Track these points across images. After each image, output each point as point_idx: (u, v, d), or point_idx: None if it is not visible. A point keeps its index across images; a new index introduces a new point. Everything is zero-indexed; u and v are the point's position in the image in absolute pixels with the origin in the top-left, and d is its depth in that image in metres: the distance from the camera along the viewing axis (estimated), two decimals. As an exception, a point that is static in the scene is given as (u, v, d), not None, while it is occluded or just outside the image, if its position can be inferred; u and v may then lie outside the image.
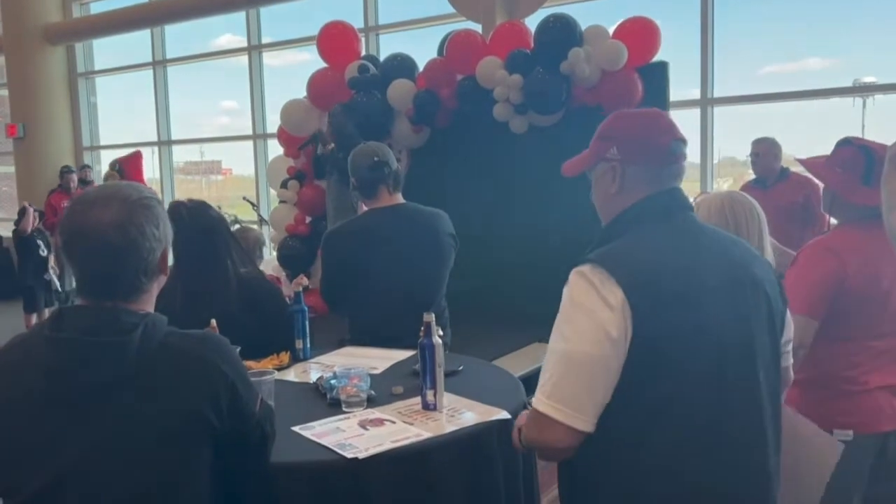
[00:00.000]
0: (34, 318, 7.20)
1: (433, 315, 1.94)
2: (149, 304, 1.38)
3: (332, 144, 5.15)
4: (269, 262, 6.50)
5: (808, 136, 6.40)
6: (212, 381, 1.33)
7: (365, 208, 2.82)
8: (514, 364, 4.30)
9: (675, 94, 5.19)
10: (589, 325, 1.31)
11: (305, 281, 2.90)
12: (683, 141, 1.48)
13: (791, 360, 1.67)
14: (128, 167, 7.99)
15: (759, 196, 4.22)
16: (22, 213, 7.19)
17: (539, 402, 1.36)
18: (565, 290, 1.38)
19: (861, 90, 5.76)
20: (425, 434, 1.71)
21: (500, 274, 5.50)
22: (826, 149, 2.23)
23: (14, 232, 7.22)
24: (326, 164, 5.38)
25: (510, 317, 5.41)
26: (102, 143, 10.54)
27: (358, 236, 2.70)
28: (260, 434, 1.46)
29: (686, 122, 5.96)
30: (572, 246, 5.40)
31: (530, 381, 2.86)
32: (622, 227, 1.45)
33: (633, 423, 1.34)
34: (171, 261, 1.43)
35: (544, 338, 4.86)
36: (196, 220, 2.32)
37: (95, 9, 10.23)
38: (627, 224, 1.45)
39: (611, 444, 1.35)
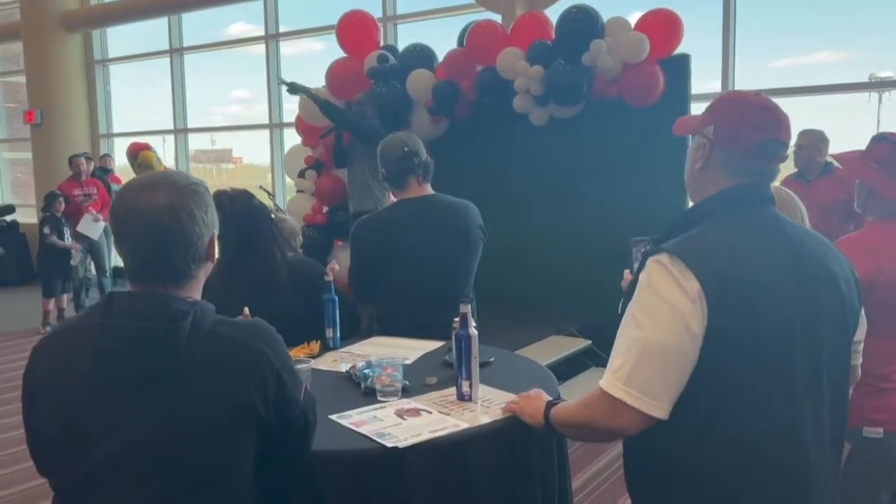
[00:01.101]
0: (52, 304, 7.27)
1: (469, 306, 1.94)
2: (196, 292, 1.39)
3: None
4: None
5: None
6: (259, 370, 1.34)
7: (393, 199, 2.83)
8: (535, 355, 4.31)
9: (695, 87, 5.16)
10: (668, 314, 1.32)
11: (337, 267, 2.91)
12: (783, 143, 1.45)
13: (860, 360, 1.67)
14: None
15: (801, 190, 4.11)
16: (51, 198, 7.22)
17: (613, 387, 1.36)
18: (642, 278, 1.39)
19: (878, 85, 5.72)
20: (463, 424, 1.72)
21: (518, 266, 5.51)
22: (842, 143, 2.22)
23: (45, 217, 7.24)
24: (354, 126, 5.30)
25: (528, 309, 5.42)
26: (116, 130, 10.58)
27: (387, 227, 2.71)
28: (303, 422, 1.48)
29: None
30: (593, 239, 5.39)
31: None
32: (699, 217, 1.46)
33: (706, 409, 1.35)
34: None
35: (563, 330, 4.86)
36: (240, 210, 2.33)
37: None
38: (705, 214, 1.45)
39: (682, 428, 1.36)
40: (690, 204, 1.59)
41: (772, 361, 1.35)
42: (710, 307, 1.31)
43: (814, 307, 1.39)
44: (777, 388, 1.36)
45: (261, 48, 8.80)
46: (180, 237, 1.32)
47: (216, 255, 1.43)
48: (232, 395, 1.31)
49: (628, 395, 1.35)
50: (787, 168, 4.92)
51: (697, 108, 5.16)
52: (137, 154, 6.96)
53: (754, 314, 1.33)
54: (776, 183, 3.37)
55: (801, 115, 6.10)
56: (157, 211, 1.30)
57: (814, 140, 4.35)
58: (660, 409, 1.34)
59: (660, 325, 1.33)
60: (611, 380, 1.38)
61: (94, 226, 7.46)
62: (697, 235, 1.41)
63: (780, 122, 1.45)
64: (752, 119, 1.44)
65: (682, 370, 1.34)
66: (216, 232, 1.41)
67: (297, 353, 2.35)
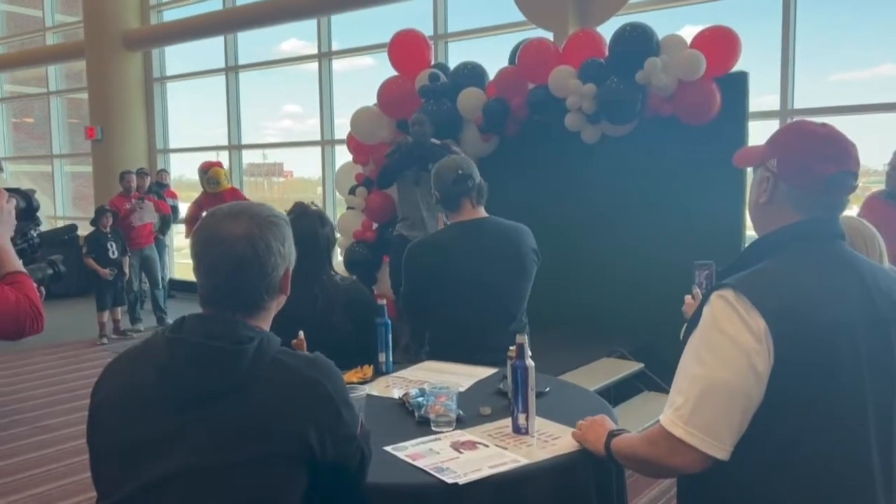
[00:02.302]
0: (106, 316, 7.46)
1: (526, 337, 1.91)
2: (266, 323, 1.41)
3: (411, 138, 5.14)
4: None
5: (881, 147, 6.10)
6: (318, 404, 1.33)
7: (446, 221, 2.81)
8: (587, 378, 4.24)
9: (752, 102, 5.03)
10: (732, 352, 1.29)
11: None
12: (853, 174, 1.40)
13: None
14: None
15: (890, 212, 3.90)
16: (99, 213, 7.42)
17: (674, 425, 1.34)
18: (705, 312, 1.35)
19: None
20: (522, 460, 1.68)
21: (570, 286, 5.43)
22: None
23: (88, 235, 7.47)
24: (398, 156, 5.29)
25: (579, 330, 5.34)
26: (172, 146, 10.86)
27: (440, 250, 2.69)
28: (360, 457, 1.46)
29: (765, 132, 5.78)
30: (646, 259, 5.27)
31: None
32: (765, 251, 1.42)
33: (769, 452, 1.32)
34: None
35: (615, 352, 4.75)
36: (300, 233, 2.36)
37: (168, 16, 10.56)
38: (771, 248, 1.41)
39: (744, 470, 1.33)
40: (749, 235, 1.55)
41: (840, 404, 1.31)
42: (777, 346, 1.27)
43: (885, 349, 1.34)
44: (846, 432, 1.31)
45: (313, 64, 8.94)
46: (255, 267, 1.34)
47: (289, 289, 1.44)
48: (287, 426, 1.30)
49: (689, 435, 1.32)
50: (865, 188, 4.65)
51: (755, 126, 5.09)
52: (208, 170, 7.16)
53: (823, 355, 1.29)
54: (852, 212, 3.22)
55: (862, 133, 5.91)
56: (234, 240, 1.33)
57: None
58: (721, 449, 1.31)
59: (723, 363, 1.30)
60: (672, 418, 1.34)
61: (141, 211, 7.62)
62: (763, 270, 1.37)
63: (848, 153, 1.40)
64: (819, 152, 1.39)
65: (744, 410, 1.30)
66: (292, 265, 1.43)
67: (349, 377, 2.34)
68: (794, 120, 1.50)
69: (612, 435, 1.61)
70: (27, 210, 2.08)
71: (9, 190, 2.00)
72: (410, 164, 5.10)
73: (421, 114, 5.31)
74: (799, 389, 1.28)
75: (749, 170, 1.61)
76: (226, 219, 1.36)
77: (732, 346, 1.29)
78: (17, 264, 1.97)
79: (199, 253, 1.36)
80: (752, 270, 1.37)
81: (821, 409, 1.30)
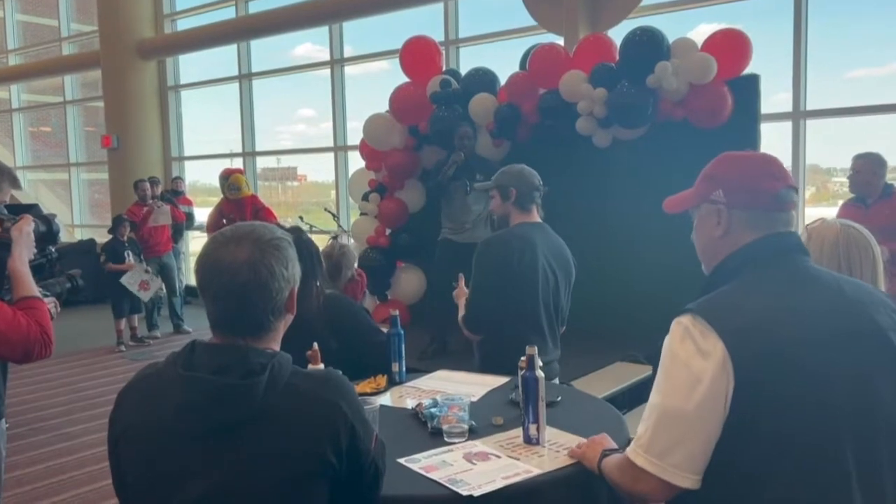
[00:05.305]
0: (123, 323, 7.55)
1: (535, 348, 1.93)
2: (276, 342, 1.42)
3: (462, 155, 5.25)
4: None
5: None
6: (333, 422, 1.35)
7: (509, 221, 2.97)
8: (599, 384, 4.26)
9: (764, 104, 5.01)
10: (684, 379, 1.28)
11: None
12: (794, 189, 1.43)
13: None
14: None
15: (860, 215, 4.08)
16: (117, 222, 7.52)
17: (635, 454, 1.35)
18: (665, 341, 1.35)
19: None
20: (535, 471, 1.70)
21: (584, 290, 5.40)
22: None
23: (105, 244, 7.58)
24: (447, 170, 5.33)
25: (593, 334, 5.33)
26: (187, 153, 10.96)
27: (523, 239, 2.83)
28: (374, 471, 1.48)
29: (778, 134, 5.75)
30: (659, 262, 5.23)
31: (612, 404, 2.84)
32: (726, 275, 1.40)
33: (737, 484, 1.28)
34: None
35: (629, 356, 4.77)
36: None
37: (182, 25, 10.66)
38: (732, 271, 1.40)
39: (723, 494, 1.29)
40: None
41: (811, 424, 1.25)
42: (737, 368, 1.24)
43: (858, 364, 1.29)
44: (818, 453, 1.25)
45: (327, 69, 9.00)
46: (260, 292, 1.34)
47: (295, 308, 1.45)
48: (306, 448, 1.32)
49: (648, 463, 1.32)
50: (829, 184, 4.74)
51: (767, 128, 5.06)
52: (229, 176, 7.24)
53: (787, 374, 1.25)
54: (820, 198, 3.22)
55: (880, 131, 5.87)
56: (237, 266, 1.33)
57: (869, 163, 4.34)
58: (682, 477, 1.29)
59: (677, 390, 1.29)
60: (634, 447, 1.36)
61: (158, 211, 7.73)
62: (724, 293, 1.36)
63: (785, 170, 1.44)
64: (760, 170, 1.43)
65: (703, 437, 1.28)
66: (297, 285, 1.43)
67: (363, 387, 2.37)
68: (723, 153, 1.52)
69: (604, 455, 1.60)
70: (48, 234, 2.12)
71: (30, 210, 2.04)
72: (462, 175, 5.17)
73: (467, 127, 5.41)
74: (765, 411, 1.24)
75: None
76: (229, 244, 1.35)
77: (685, 373, 1.28)
78: (34, 289, 1.99)
79: (203, 280, 1.36)
80: (712, 294, 1.36)
81: (789, 430, 1.25)
